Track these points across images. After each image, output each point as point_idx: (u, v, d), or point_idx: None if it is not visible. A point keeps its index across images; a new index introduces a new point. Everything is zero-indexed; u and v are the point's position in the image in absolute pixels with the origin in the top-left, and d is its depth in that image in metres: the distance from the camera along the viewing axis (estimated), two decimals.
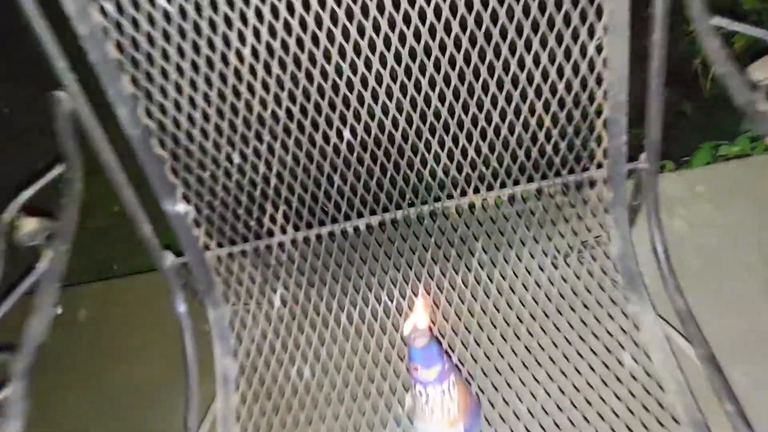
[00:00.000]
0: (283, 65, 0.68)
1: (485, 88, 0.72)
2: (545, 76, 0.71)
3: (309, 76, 0.70)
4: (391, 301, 0.83)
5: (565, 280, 0.82)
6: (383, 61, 0.69)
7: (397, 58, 0.69)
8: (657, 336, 0.77)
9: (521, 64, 0.70)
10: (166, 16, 0.64)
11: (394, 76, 0.70)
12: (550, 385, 0.75)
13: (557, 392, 0.75)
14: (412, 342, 0.59)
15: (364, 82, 0.70)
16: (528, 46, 0.69)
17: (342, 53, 0.68)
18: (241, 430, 0.76)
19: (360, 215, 0.81)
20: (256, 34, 0.66)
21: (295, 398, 0.78)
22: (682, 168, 1.28)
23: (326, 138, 0.75)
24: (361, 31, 0.66)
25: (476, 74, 0.71)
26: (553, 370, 0.76)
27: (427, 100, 0.72)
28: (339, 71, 0.70)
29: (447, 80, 0.71)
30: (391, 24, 0.66)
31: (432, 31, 0.67)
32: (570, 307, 0.80)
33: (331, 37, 0.67)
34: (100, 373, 1.15)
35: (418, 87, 0.71)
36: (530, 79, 0.71)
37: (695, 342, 0.74)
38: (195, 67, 0.67)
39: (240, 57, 0.67)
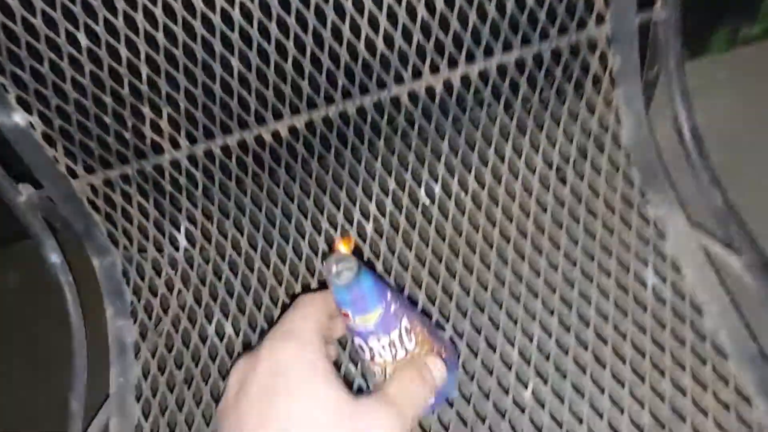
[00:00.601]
0: None
1: None
2: None
3: None
4: (335, 230, 0.63)
5: (563, 181, 0.62)
6: None
7: None
8: (689, 244, 0.58)
9: None
10: None
11: None
12: (549, 319, 0.57)
13: (559, 328, 0.56)
14: (333, 278, 0.40)
15: None
16: None
17: None
18: (142, 411, 0.58)
19: (278, 116, 0.60)
20: None
21: (214, 365, 0.59)
22: (699, 56, 1.12)
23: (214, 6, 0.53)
24: None
25: None
26: (553, 300, 0.58)
27: None
28: None
29: None
30: None
31: None
32: (571, 215, 0.61)
33: None
34: (35, 339, 1.00)
35: None
36: None
37: (741, 247, 0.55)
38: None
39: None
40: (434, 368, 0.43)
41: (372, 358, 0.43)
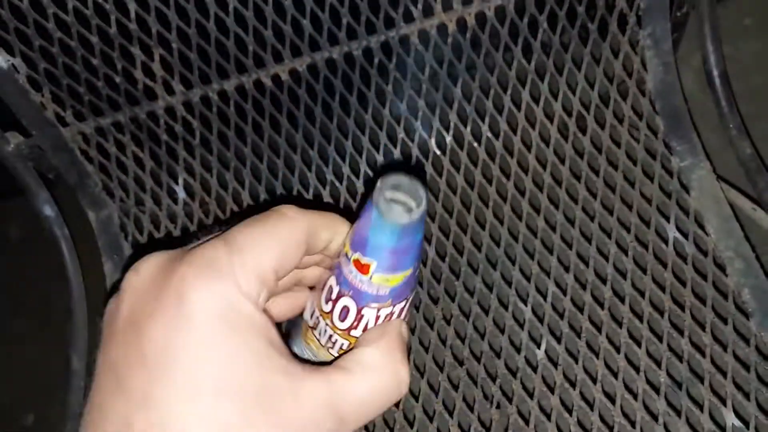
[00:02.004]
0: None
1: None
2: None
3: None
4: (340, 182, 0.61)
5: (583, 130, 0.59)
6: None
7: None
8: (714, 198, 0.56)
9: None
10: None
11: None
12: (564, 276, 0.56)
13: (575, 285, 0.55)
14: (382, 206, 0.29)
15: None
16: None
17: None
18: None
19: (278, 59, 0.57)
20: None
21: None
22: (725, 1, 1.07)
23: None
24: None
25: None
26: (569, 256, 0.56)
27: None
28: None
29: None
30: None
31: None
32: (590, 166, 0.59)
33: None
34: (36, 295, 1.00)
35: None
36: None
37: None
38: None
39: None
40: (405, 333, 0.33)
41: (342, 330, 0.33)
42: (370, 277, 0.32)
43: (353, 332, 0.33)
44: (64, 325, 0.70)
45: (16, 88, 0.54)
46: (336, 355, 0.34)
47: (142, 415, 0.24)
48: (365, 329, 0.33)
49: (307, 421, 0.26)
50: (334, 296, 0.33)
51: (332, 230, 0.32)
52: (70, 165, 0.59)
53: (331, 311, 0.33)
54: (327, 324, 0.34)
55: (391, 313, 0.34)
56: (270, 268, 0.28)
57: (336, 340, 0.34)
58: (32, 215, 0.67)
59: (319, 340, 0.35)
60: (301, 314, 0.37)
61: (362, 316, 0.33)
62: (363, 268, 0.31)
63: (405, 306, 0.34)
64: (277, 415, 0.25)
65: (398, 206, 0.29)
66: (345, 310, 0.33)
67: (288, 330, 0.38)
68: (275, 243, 0.28)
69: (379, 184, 0.29)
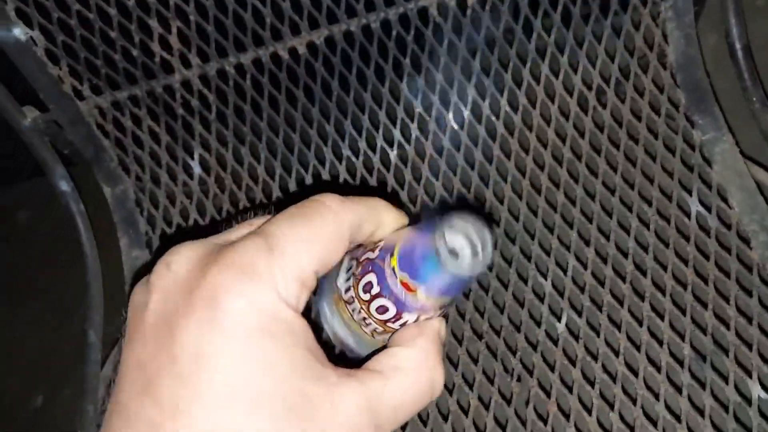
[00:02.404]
0: None
1: None
2: None
3: None
4: (357, 157, 0.61)
5: (603, 104, 0.59)
6: None
7: None
8: (736, 172, 0.56)
9: None
10: None
11: None
12: (584, 250, 0.55)
13: (596, 259, 0.55)
14: (444, 257, 0.27)
15: None
16: None
17: None
18: None
19: (295, 31, 0.57)
20: None
21: None
22: None
23: None
24: None
25: None
26: (589, 230, 0.56)
27: None
28: None
29: None
30: None
31: None
32: (610, 140, 0.59)
33: None
34: (49, 275, 1.00)
35: None
36: None
37: None
38: None
39: None
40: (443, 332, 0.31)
41: (378, 320, 0.32)
42: (416, 296, 0.30)
43: (390, 324, 0.32)
44: (77, 307, 0.70)
45: (34, 61, 0.54)
46: (368, 333, 0.33)
47: (170, 423, 0.24)
48: (403, 326, 0.32)
49: (344, 427, 0.25)
50: (373, 292, 0.31)
51: (376, 222, 0.31)
52: (87, 139, 0.59)
53: (369, 302, 0.31)
54: (363, 309, 0.32)
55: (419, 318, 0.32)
56: (312, 270, 0.27)
57: (370, 323, 0.32)
58: (46, 197, 0.67)
59: (351, 315, 0.33)
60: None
61: (401, 317, 0.31)
62: (410, 289, 0.30)
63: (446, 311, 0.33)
64: (312, 423, 0.25)
65: (459, 257, 0.27)
66: (383, 309, 0.31)
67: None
68: (318, 243, 0.27)
69: (441, 226, 0.27)
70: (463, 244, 0.28)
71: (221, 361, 0.24)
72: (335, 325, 0.34)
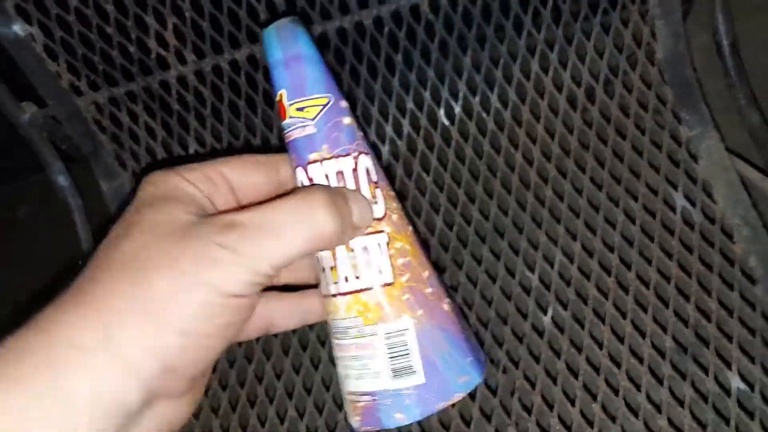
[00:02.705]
0: None
1: None
2: None
3: None
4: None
5: (592, 100, 0.60)
6: None
7: None
8: (722, 167, 0.57)
9: None
10: None
11: None
12: (571, 244, 0.57)
13: (582, 253, 0.56)
14: (264, 31, 0.35)
15: None
16: None
17: None
18: None
19: None
20: None
21: None
22: None
23: None
24: None
25: None
26: (576, 225, 0.57)
27: None
28: None
29: None
30: None
31: None
32: (598, 136, 0.60)
33: None
34: (47, 272, 1.01)
35: None
36: None
37: None
38: None
39: None
40: (356, 200, 0.34)
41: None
42: (289, 115, 0.34)
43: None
44: None
45: (33, 57, 0.56)
46: (335, 291, 0.35)
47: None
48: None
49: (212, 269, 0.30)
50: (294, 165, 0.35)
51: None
52: (84, 135, 0.61)
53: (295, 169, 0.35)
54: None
55: (341, 172, 0.35)
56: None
57: (321, 260, 0.35)
58: (44, 192, 0.68)
59: (324, 294, 0.36)
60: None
61: (312, 180, 0.34)
62: (281, 110, 0.35)
63: (358, 167, 0.35)
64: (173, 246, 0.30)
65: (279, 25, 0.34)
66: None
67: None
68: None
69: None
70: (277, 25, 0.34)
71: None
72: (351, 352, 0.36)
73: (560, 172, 0.59)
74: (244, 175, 0.36)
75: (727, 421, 0.48)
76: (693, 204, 0.56)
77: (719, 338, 0.51)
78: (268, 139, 0.62)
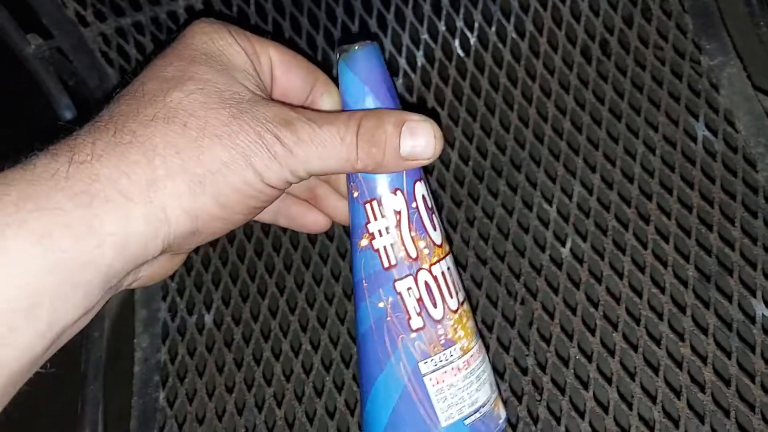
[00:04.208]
0: None
1: None
2: None
3: None
4: None
5: (610, 30, 0.58)
6: None
7: None
8: (744, 96, 0.55)
9: None
10: None
11: None
12: (590, 176, 0.55)
13: (601, 185, 0.54)
14: (341, 51, 0.36)
15: None
16: None
17: None
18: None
19: None
20: None
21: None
22: None
23: None
24: None
25: None
26: (595, 156, 0.55)
27: None
28: None
29: None
30: None
31: None
32: (617, 67, 0.57)
33: None
34: None
35: None
36: None
37: None
38: None
39: None
40: (414, 128, 0.34)
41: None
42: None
43: (437, 235, 0.39)
44: None
45: None
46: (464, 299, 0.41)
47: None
48: (435, 226, 0.39)
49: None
50: (420, 208, 0.38)
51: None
52: (90, 67, 0.59)
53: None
54: (446, 260, 0.40)
55: (424, 195, 0.38)
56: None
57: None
58: (49, 131, 0.66)
59: (463, 301, 0.41)
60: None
61: (423, 197, 0.37)
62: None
63: (424, 197, 0.38)
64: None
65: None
66: (426, 209, 0.38)
67: None
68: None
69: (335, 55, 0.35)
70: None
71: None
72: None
73: (578, 104, 0.57)
74: (288, 69, 0.36)
75: (752, 348, 0.47)
76: (714, 134, 0.54)
77: (743, 266, 0.49)
78: None
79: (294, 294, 0.56)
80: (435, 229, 0.38)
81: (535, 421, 0.47)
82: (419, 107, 0.59)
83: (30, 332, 0.25)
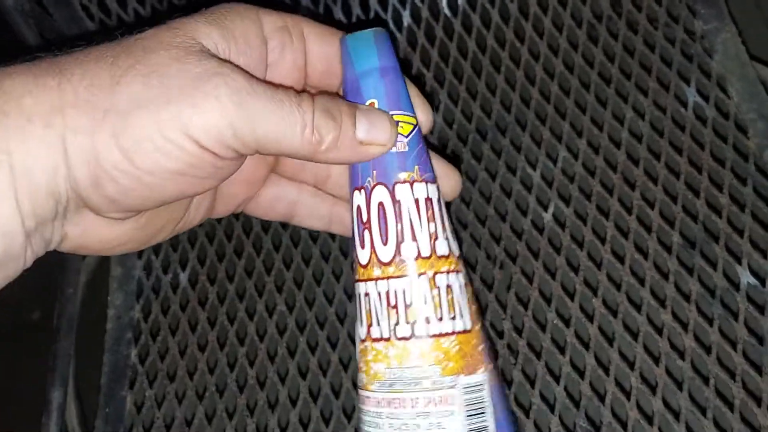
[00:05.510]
0: None
1: None
2: None
3: None
4: None
5: None
6: None
7: None
8: (738, 61, 0.52)
9: None
10: None
11: None
12: (576, 140, 0.53)
13: (587, 149, 0.52)
14: (349, 37, 0.31)
15: None
16: None
17: None
18: None
19: None
20: None
21: None
22: None
23: None
24: None
25: None
26: (582, 120, 0.53)
27: None
28: None
29: None
30: None
31: None
32: (608, 31, 0.55)
33: None
34: None
35: None
36: None
37: None
38: None
39: None
40: (369, 115, 0.30)
41: (391, 258, 0.30)
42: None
43: (404, 248, 0.30)
44: None
45: None
46: (409, 332, 0.30)
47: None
48: (413, 235, 0.30)
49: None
50: (364, 217, 0.31)
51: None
52: (71, 21, 0.57)
53: (371, 245, 0.30)
54: (375, 282, 0.30)
55: (429, 199, 0.31)
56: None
57: (395, 296, 0.29)
58: None
59: (381, 337, 0.30)
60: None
61: (399, 203, 0.30)
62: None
63: (440, 199, 0.32)
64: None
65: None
66: (381, 214, 0.30)
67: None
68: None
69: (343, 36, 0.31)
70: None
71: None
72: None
73: (567, 67, 0.55)
74: (322, 40, 0.32)
75: (735, 316, 0.45)
76: (706, 99, 0.52)
77: (729, 233, 0.47)
78: None
79: (271, 255, 0.54)
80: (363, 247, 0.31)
81: (509, 384, 0.45)
82: (404, 68, 0.57)
83: None
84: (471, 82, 0.56)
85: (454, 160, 0.54)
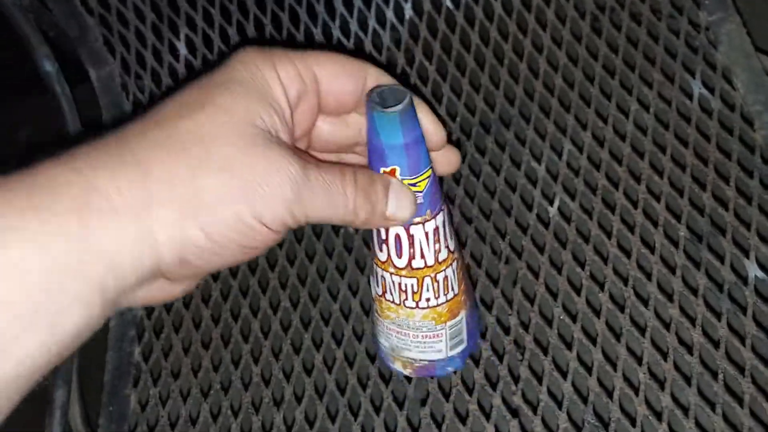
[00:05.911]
0: None
1: None
2: None
3: None
4: (348, 40, 0.57)
5: None
6: None
7: None
8: (743, 52, 0.51)
9: None
10: None
11: None
12: (581, 133, 0.52)
13: (592, 142, 0.52)
14: (375, 105, 0.32)
15: None
16: None
17: None
18: None
19: None
20: None
21: None
22: None
23: None
24: None
25: None
26: (586, 113, 0.52)
27: None
28: None
29: None
30: None
31: None
32: (612, 23, 0.54)
33: None
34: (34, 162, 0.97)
35: None
36: None
37: None
38: None
39: None
40: (398, 194, 0.35)
41: (404, 266, 0.38)
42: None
43: (414, 263, 0.38)
44: None
45: None
46: (414, 305, 0.40)
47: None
48: (422, 255, 0.38)
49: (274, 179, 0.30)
50: (383, 236, 0.37)
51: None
52: (71, 17, 0.56)
53: (388, 254, 0.38)
54: (389, 274, 0.39)
55: (437, 228, 0.37)
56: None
57: (405, 286, 0.39)
58: (30, 81, 0.63)
59: (393, 302, 0.40)
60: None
61: (413, 237, 0.37)
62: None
63: (445, 219, 0.38)
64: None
65: (389, 101, 0.33)
66: (398, 242, 0.37)
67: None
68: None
69: (365, 98, 0.33)
70: (385, 96, 0.33)
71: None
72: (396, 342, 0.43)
73: (571, 60, 0.54)
74: (335, 79, 0.34)
75: (743, 310, 0.44)
76: (711, 91, 0.51)
77: (736, 226, 0.47)
78: (261, 21, 0.57)
79: (275, 251, 0.53)
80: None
81: (516, 380, 0.44)
82: (407, 62, 0.56)
83: (31, 340, 0.24)
84: (474, 75, 0.55)
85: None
